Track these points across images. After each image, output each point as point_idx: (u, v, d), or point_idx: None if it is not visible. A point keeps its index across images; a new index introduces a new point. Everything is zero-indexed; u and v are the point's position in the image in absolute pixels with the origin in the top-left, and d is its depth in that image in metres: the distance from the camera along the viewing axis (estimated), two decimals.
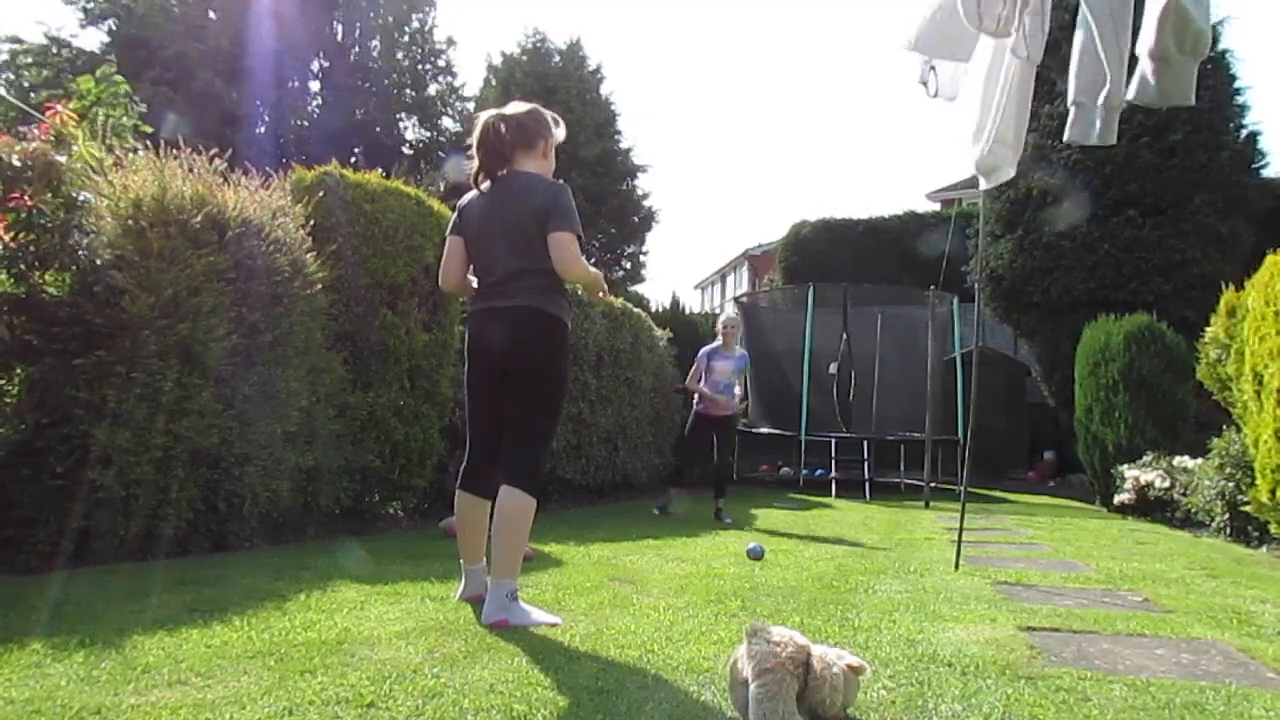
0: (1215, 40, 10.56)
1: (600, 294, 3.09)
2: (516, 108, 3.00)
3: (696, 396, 6.89)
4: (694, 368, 6.93)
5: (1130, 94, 3.03)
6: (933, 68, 4.34)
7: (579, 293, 7.36)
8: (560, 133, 3.05)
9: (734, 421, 7.31)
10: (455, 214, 3.03)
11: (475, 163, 2.93)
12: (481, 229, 2.91)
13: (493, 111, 2.97)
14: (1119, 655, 2.58)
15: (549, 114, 3.04)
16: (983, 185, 4.07)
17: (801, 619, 2.95)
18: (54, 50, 22.39)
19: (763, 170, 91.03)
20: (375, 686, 2.03)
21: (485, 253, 2.90)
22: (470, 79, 45.27)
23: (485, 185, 2.92)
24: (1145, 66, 2.90)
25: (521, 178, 2.90)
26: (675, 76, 79.23)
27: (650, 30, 75.02)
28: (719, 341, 6.88)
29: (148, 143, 4.48)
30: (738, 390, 6.97)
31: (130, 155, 4.33)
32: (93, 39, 23.21)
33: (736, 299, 15.44)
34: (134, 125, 5.66)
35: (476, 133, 2.92)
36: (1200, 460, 6.84)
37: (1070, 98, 3.33)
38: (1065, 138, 3.42)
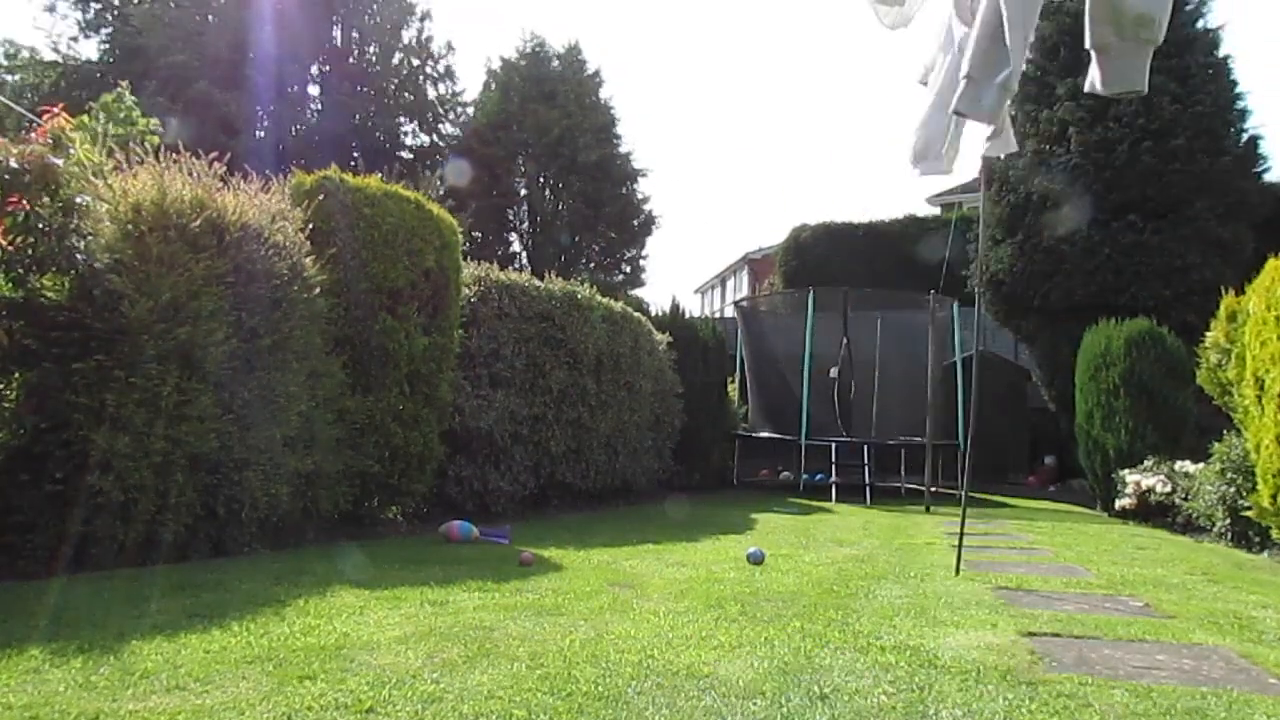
0: (1196, 35, 10.54)
1: None
2: None
3: None
4: None
5: (1087, 86, 3.06)
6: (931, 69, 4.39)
7: (578, 297, 7.39)
8: None
9: None
10: None
11: None
12: None
13: None
14: (1120, 660, 2.57)
15: None
16: (989, 149, 4.02)
17: (802, 624, 2.94)
18: (51, 58, 22.40)
19: (763, 174, 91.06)
20: (374, 692, 2.03)
21: None
22: (470, 84, 45.27)
23: None
24: (1092, 59, 2.93)
25: None
26: (675, 80, 79.29)
27: (649, 33, 75.09)
28: None
29: (147, 146, 4.48)
30: None
31: (136, 165, 4.33)
32: (89, 47, 23.24)
33: (736, 303, 15.45)
34: (141, 135, 5.67)
35: None
36: (1201, 465, 6.82)
37: (963, 71, 3.30)
38: (951, 108, 3.40)
